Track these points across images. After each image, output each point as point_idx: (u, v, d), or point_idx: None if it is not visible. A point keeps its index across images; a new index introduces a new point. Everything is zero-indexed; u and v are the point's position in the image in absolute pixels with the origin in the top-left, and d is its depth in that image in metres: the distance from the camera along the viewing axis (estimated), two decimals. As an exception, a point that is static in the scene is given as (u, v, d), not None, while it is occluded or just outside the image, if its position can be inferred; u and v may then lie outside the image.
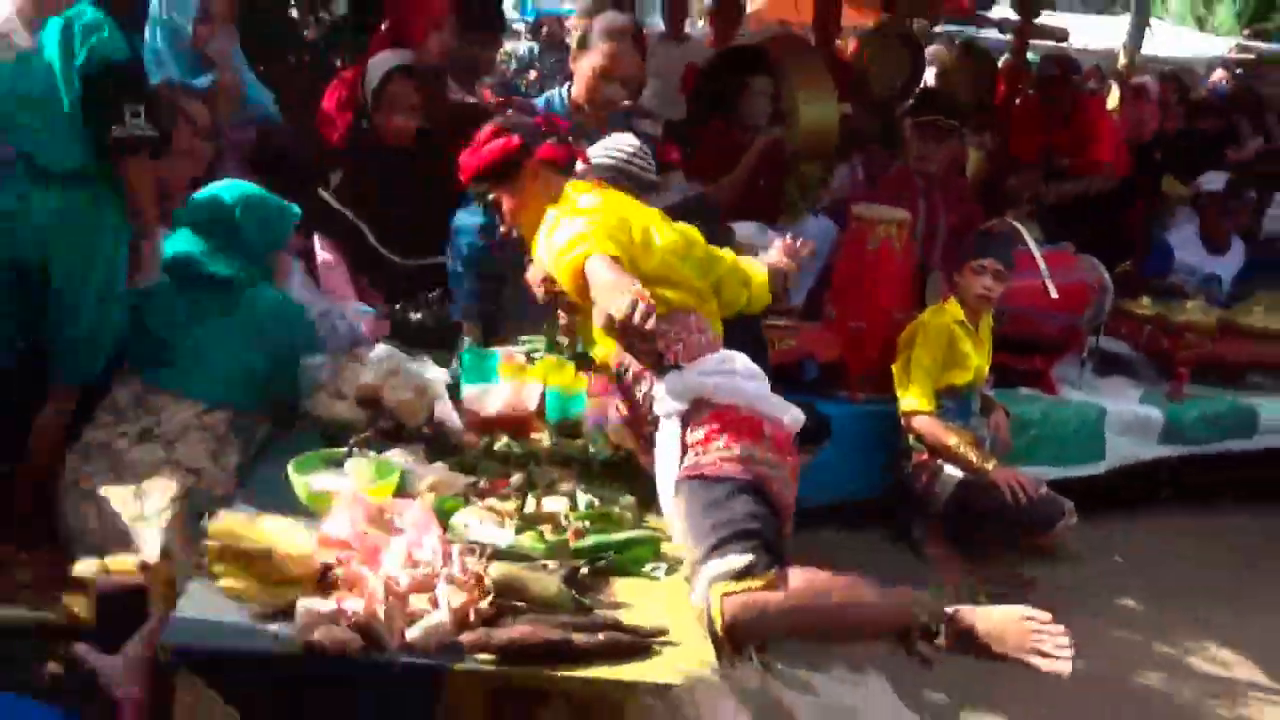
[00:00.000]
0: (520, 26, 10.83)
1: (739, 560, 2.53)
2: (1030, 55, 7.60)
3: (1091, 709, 3.73)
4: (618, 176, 3.26)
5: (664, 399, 2.66)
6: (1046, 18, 7.64)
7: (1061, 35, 7.85)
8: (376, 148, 3.56)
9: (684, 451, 2.62)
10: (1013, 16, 7.41)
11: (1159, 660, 4.16)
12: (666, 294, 2.66)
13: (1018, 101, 7.06)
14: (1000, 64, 7.62)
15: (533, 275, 2.96)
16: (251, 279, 2.96)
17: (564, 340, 3.32)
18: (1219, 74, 11.55)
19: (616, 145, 3.38)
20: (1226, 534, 5.34)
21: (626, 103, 5.40)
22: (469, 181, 3.06)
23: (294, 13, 5.47)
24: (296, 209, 3.07)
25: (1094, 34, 11.33)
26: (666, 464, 2.66)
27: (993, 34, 8.07)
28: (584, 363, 3.17)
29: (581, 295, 2.63)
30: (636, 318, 2.26)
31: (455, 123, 4.42)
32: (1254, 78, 10.31)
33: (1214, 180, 6.55)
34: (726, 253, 3.09)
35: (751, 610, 2.41)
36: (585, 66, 3.58)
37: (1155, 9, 12.28)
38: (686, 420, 2.62)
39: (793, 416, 2.71)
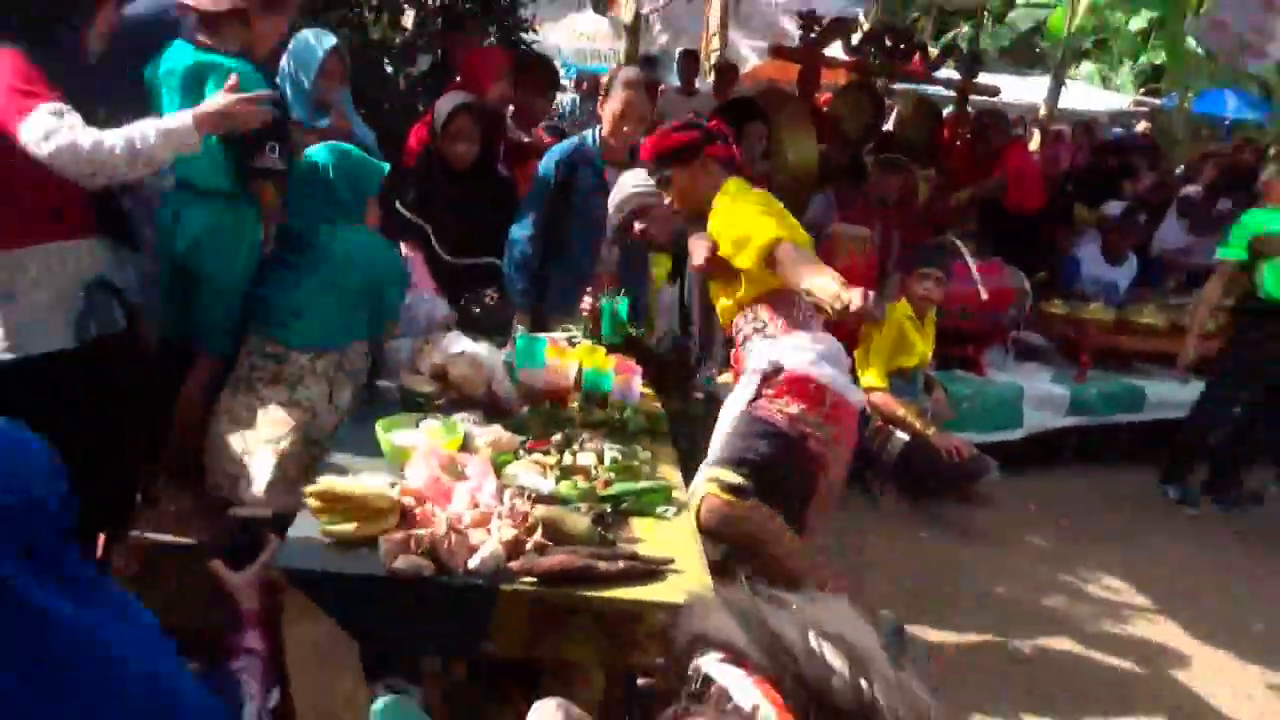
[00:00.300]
0: (567, 83, 10.82)
1: (735, 478, 2.55)
2: (969, 108, 7.55)
3: (1009, 625, 3.70)
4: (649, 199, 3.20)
5: (757, 357, 2.70)
6: (982, 78, 7.58)
7: (994, 92, 7.77)
8: (442, 170, 3.56)
9: (756, 398, 2.67)
10: (956, 76, 7.33)
11: (1062, 586, 4.12)
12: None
13: (958, 144, 7.00)
14: (945, 114, 7.58)
15: (696, 246, 2.82)
16: (331, 229, 2.76)
17: (585, 325, 3.35)
18: (1144, 125, 11.46)
19: (634, 180, 3.30)
20: (1118, 487, 5.31)
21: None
22: (650, 159, 2.94)
23: (389, 69, 5.49)
24: (384, 165, 2.94)
25: (1020, 91, 11.18)
26: (736, 404, 2.71)
27: (940, 90, 7.97)
28: (612, 349, 3.15)
29: (757, 265, 2.59)
30: (870, 304, 2.26)
31: (511, 155, 4.43)
32: (1148, 127, 10.19)
33: (1114, 207, 6.51)
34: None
35: (721, 519, 2.55)
36: (608, 111, 3.58)
37: (1069, 71, 12.08)
38: (767, 377, 2.67)
39: (858, 397, 2.74)
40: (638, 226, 3.25)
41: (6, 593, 1.14)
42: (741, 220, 2.66)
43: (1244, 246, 4.71)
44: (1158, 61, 14.80)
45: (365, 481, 2.03)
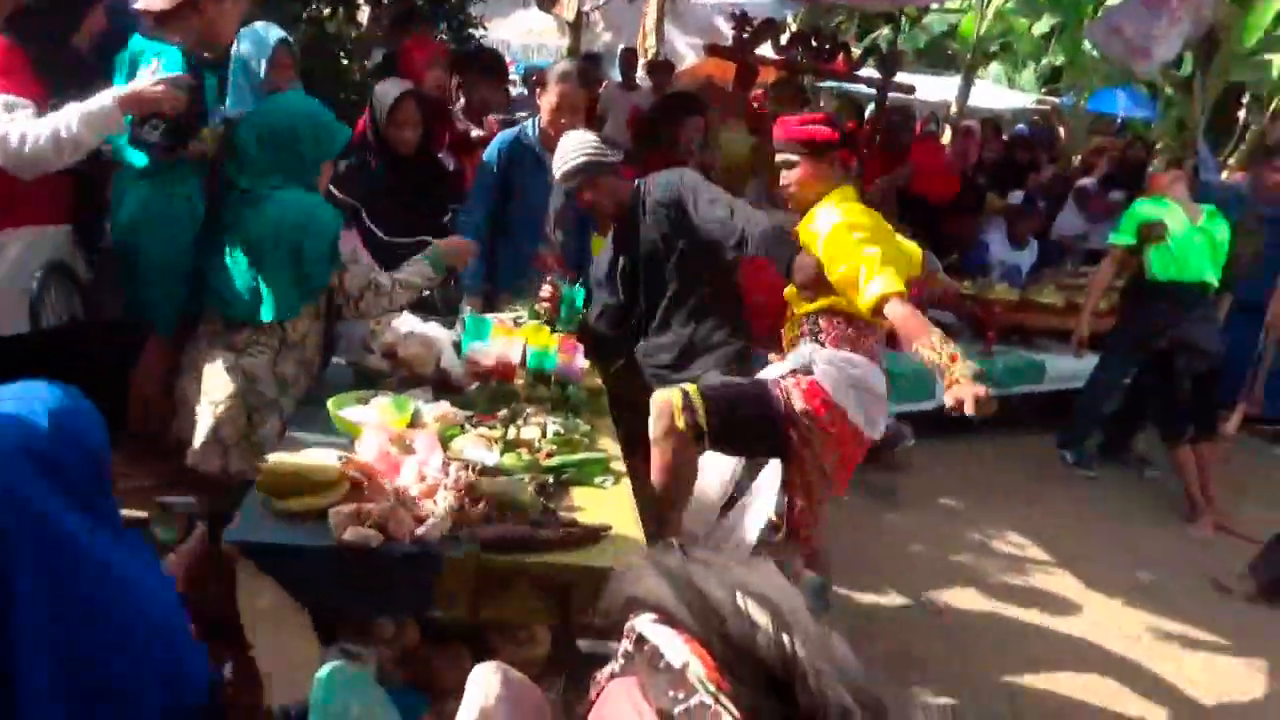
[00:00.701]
0: (516, 78, 10.68)
1: (699, 402, 2.59)
2: (887, 104, 7.61)
3: (920, 579, 3.76)
4: (599, 169, 3.04)
5: (798, 356, 2.69)
6: (900, 77, 7.63)
7: (909, 90, 7.82)
8: (383, 154, 3.41)
9: (775, 377, 2.68)
10: (876, 75, 7.38)
11: (972, 544, 4.19)
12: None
13: (877, 138, 7.05)
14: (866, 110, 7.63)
15: (802, 273, 2.59)
16: (270, 192, 2.49)
17: (541, 311, 3.24)
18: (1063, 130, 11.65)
19: (580, 144, 3.09)
20: (1021, 453, 5.41)
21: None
22: (784, 140, 2.72)
23: (345, 62, 5.37)
24: (348, 129, 2.72)
25: (934, 89, 11.30)
26: (768, 373, 2.74)
27: (861, 88, 8.02)
28: (555, 328, 3.11)
29: (865, 307, 2.46)
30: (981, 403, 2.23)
31: (459, 146, 4.35)
32: (1048, 123, 10.37)
33: (1017, 197, 6.61)
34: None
35: (663, 428, 2.60)
36: (545, 103, 3.56)
37: (978, 72, 12.24)
38: (795, 372, 2.67)
39: (876, 429, 2.68)
40: (586, 195, 3.09)
41: (71, 545, 1.24)
42: (852, 253, 2.47)
43: (1133, 232, 4.81)
44: (1057, 63, 15.08)
45: (316, 457, 1.97)
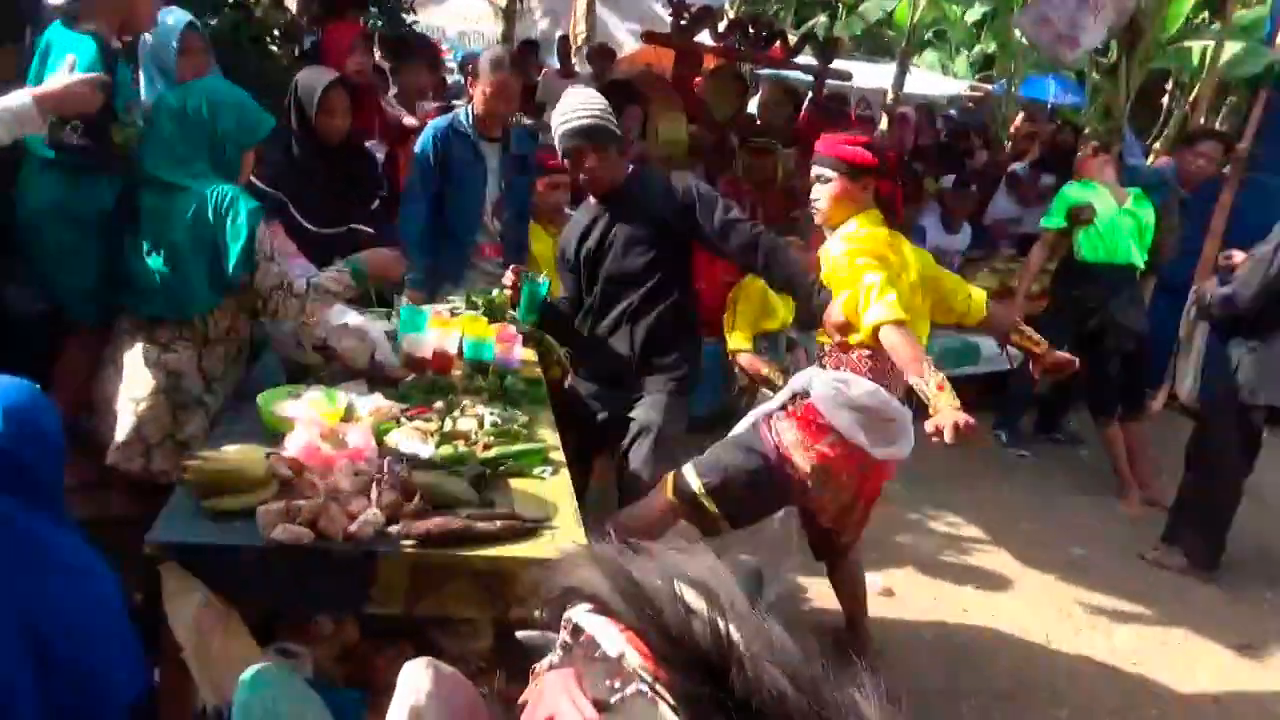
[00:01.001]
0: (453, 64, 10.53)
1: (697, 482, 2.68)
2: (825, 90, 7.66)
3: (867, 563, 3.80)
4: (606, 135, 2.88)
5: (799, 378, 2.78)
6: (836, 64, 7.69)
7: (846, 76, 7.89)
8: (309, 143, 3.27)
9: (778, 409, 2.74)
10: (813, 62, 7.42)
11: (910, 523, 4.26)
12: None
13: (813, 125, 7.11)
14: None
15: (831, 320, 2.61)
16: (182, 184, 2.36)
17: (479, 300, 3.19)
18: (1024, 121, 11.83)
19: (587, 103, 2.90)
20: (958, 433, 5.50)
21: (529, 121, 5.27)
22: (823, 156, 2.71)
23: (274, 48, 5.23)
24: (271, 118, 2.59)
25: (870, 76, 11.41)
26: (760, 410, 2.82)
27: (799, 75, 8.07)
28: (493, 317, 3.06)
29: (863, 334, 2.51)
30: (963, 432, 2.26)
31: (391, 132, 4.27)
32: (982, 110, 10.57)
33: (951, 181, 6.71)
34: (948, 275, 2.94)
35: (655, 504, 2.70)
36: (478, 91, 3.52)
37: (913, 60, 12.41)
38: (795, 396, 2.73)
39: (885, 448, 2.68)
40: (586, 161, 2.91)
41: (36, 544, 1.26)
42: (855, 280, 2.51)
43: (1063, 215, 4.93)
44: (990, 51, 15.35)
45: (244, 453, 1.91)
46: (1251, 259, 3.88)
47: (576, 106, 2.91)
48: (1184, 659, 3.45)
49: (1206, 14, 11.06)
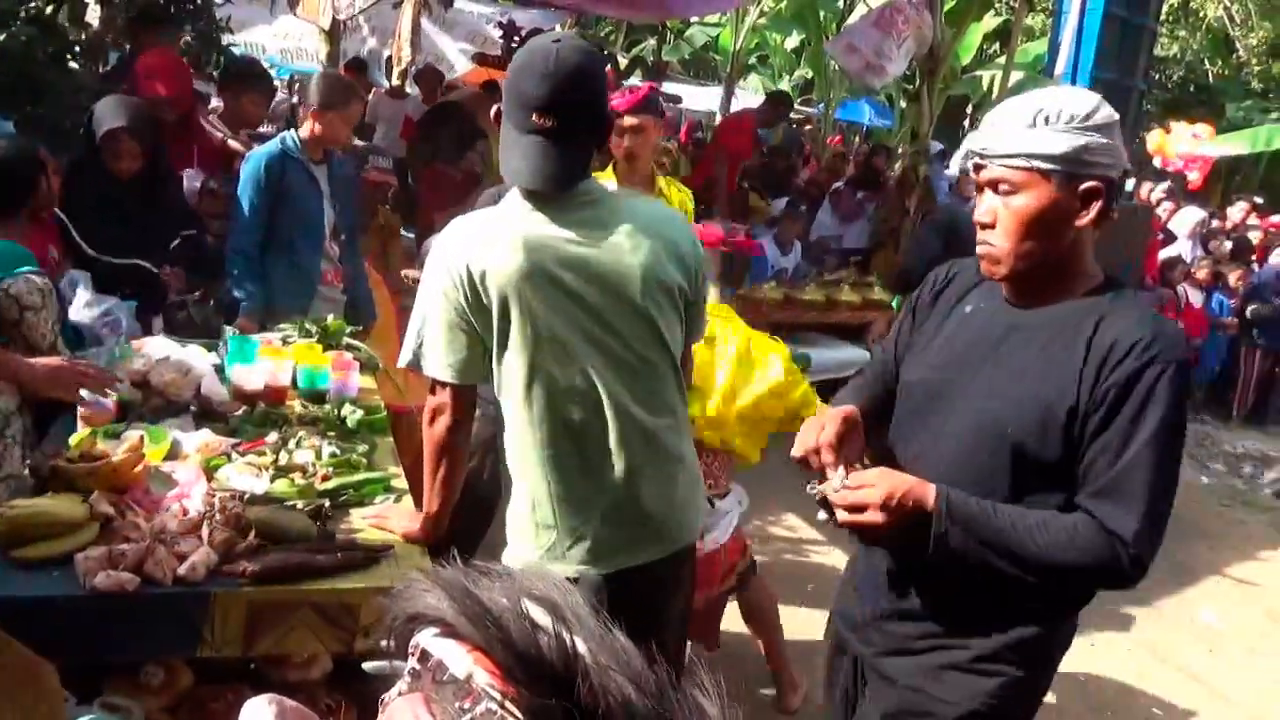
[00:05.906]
0: (279, 82, 10.14)
1: None
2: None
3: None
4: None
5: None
6: (666, 87, 7.92)
7: (676, 100, 8.15)
8: (99, 171, 3.13)
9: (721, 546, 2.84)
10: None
11: (750, 532, 4.41)
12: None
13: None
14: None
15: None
16: None
17: (313, 327, 3.09)
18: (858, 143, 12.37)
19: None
20: (786, 440, 5.73)
21: (360, 143, 5.16)
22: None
23: (74, 64, 4.90)
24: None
25: (698, 99, 11.81)
26: None
27: (629, 97, 8.27)
28: (328, 345, 2.98)
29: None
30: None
31: (213, 157, 4.07)
32: (799, 131, 11.12)
33: (780, 205, 7.04)
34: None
35: None
36: (311, 120, 3.46)
37: (739, 82, 12.89)
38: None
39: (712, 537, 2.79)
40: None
41: None
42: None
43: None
44: (810, 75, 16.16)
45: (57, 499, 1.79)
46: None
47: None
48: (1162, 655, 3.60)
49: (997, 45, 12.08)
